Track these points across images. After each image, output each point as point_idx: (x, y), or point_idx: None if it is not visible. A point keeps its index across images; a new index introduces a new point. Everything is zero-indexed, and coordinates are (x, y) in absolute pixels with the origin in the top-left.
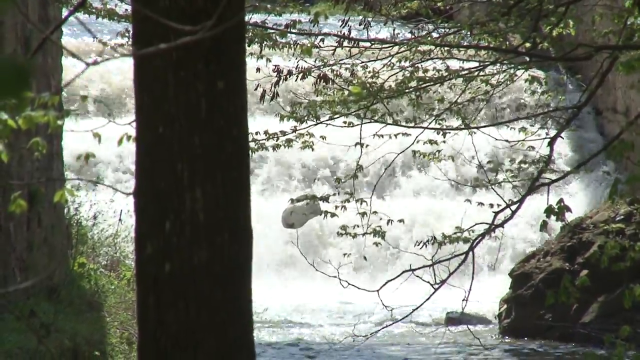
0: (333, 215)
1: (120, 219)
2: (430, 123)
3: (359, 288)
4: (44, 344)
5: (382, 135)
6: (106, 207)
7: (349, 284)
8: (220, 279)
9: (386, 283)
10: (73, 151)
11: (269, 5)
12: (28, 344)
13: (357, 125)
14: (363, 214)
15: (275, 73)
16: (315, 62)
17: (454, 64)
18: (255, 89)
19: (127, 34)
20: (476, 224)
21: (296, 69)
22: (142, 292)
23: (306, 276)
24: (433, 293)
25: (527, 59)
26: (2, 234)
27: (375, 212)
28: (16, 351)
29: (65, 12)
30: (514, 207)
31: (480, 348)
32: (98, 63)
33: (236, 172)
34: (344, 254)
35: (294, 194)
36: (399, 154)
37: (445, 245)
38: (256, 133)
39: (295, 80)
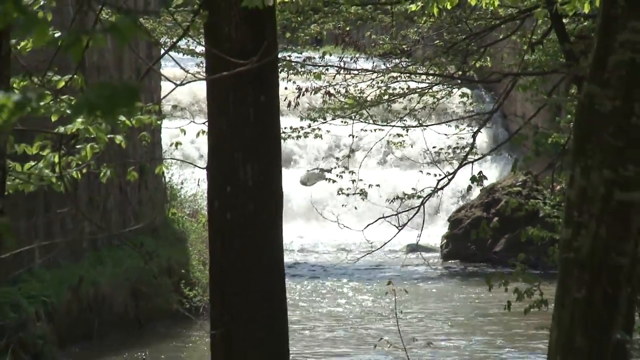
0: (334, 181)
1: (198, 184)
2: (396, 122)
3: (350, 228)
4: (148, 264)
5: (366, 130)
6: (189, 177)
7: (344, 226)
8: (262, 224)
9: (367, 226)
10: (167, 140)
11: (293, 47)
12: (138, 264)
13: (350, 123)
14: (353, 181)
15: (297, 90)
16: (323, 83)
17: (413, 85)
18: (284, 100)
19: (202, 65)
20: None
21: (311, 87)
22: (211, 233)
23: (318, 220)
24: (397, 232)
25: (459, 81)
26: (122, 195)
27: (361, 180)
28: (131, 269)
29: (162, 51)
30: (450, 177)
31: (428, 267)
32: (183, 84)
33: (272, 154)
34: (342, 205)
35: (309, 166)
36: (376, 142)
37: (406, 200)
38: (285, 128)
39: (310, 95)
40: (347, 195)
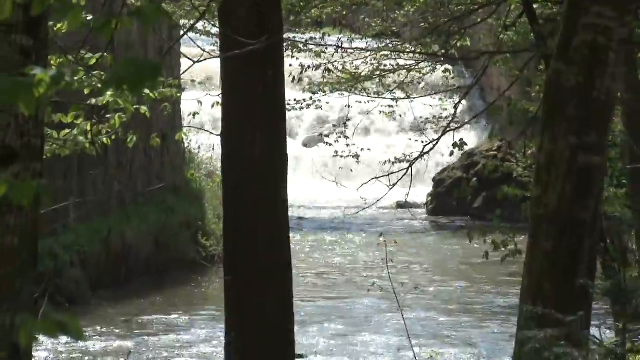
0: (330, 144)
1: (213, 149)
2: (387, 95)
3: (346, 187)
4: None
5: (360, 102)
6: (205, 142)
7: (341, 185)
8: (269, 184)
9: (362, 185)
10: (186, 111)
11: (296, 29)
12: (161, 219)
13: (346, 96)
14: (347, 145)
15: (300, 67)
16: (323, 60)
17: (401, 62)
18: (289, 76)
19: (216, 45)
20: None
21: (312, 64)
22: (225, 191)
23: (318, 180)
24: (388, 191)
25: (442, 59)
26: (147, 158)
27: (354, 144)
28: (154, 223)
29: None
30: (434, 143)
31: (415, 221)
32: (200, 61)
33: (278, 122)
34: (339, 168)
35: (309, 132)
36: (369, 112)
37: (397, 163)
38: (289, 100)
39: (312, 71)
40: (343, 157)
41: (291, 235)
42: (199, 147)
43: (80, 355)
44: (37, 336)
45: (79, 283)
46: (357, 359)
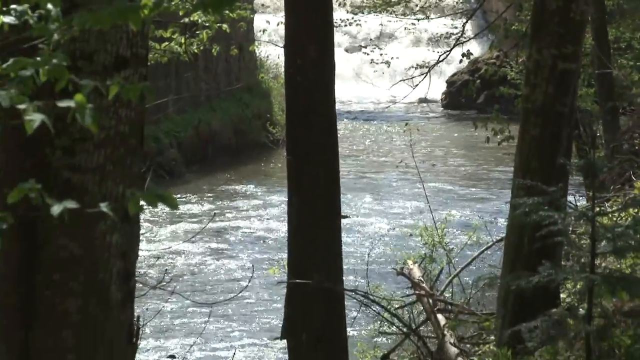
0: (367, 53)
1: (278, 57)
2: (410, 15)
3: (379, 87)
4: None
5: (390, 21)
6: (272, 52)
7: (375, 85)
8: (321, 84)
9: (392, 85)
10: (257, 28)
11: None
12: (239, 111)
13: (380, 16)
14: (381, 54)
15: None
16: None
17: None
18: (336, 1)
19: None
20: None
21: None
22: (287, 89)
23: (357, 81)
24: (412, 90)
25: None
26: (227, 64)
27: (386, 54)
28: (233, 114)
29: None
30: (447, 53)
31: (433, 113)
32: None
33: (328, 36)
34: (374, 71)
35: (351, 43)
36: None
37: (419, 68)
38: (336, 19)
39: None
40: (377, 63)
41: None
42: (267, 56)
43: (176, 215)
44: (142, 205)
45: (176, 161)
46: (388, 218)
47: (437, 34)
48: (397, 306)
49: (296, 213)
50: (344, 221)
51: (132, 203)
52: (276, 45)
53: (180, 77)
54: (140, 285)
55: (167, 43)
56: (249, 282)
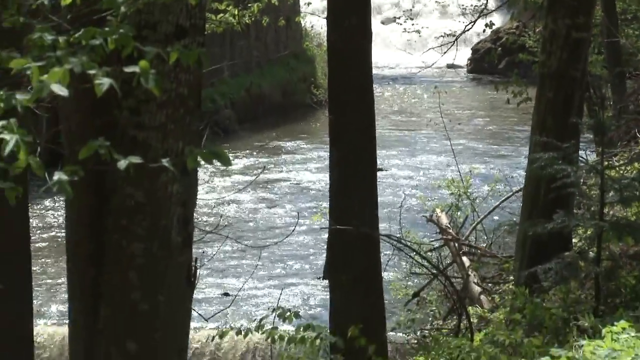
0: (400, 24)
1: (321, 28)
2: None
3: (411, 54)
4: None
5: None
6: (316, 23)
7: (408, 52)
8: (359, 49)
9: (423, 52)
10: (303, 1)
11: None
12: (286, 75)
13: None
14: (412, 24)
15: None
16: None
17: None
18: None
19: None
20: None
21: None
22: (329, 54)
23: (390, 49)
24: (441, 56)
25: None
26: (276, 33)
27: (417, 24)
28: (282, 78)
29: None
30: (472, 23)
31: (459, 77)
32: None
33: (365, 8)
34: (407, 40)
35: (386, 14)
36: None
37: (447, 37)
38: None
39: None
40: (409, 32)
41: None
42: (312, 26)
43: (229, 168)
44: (200, 161)
45: (230, 119)
46: (418, 171)
47: (463, 6)
48: (426, 250)
49: (337, 166)
50: (379, 173)
51: (190, 159)
52: (319, 16)
53: (234, 45)
54: (198, 230)
55: (222, 15)
56: (295, 228)
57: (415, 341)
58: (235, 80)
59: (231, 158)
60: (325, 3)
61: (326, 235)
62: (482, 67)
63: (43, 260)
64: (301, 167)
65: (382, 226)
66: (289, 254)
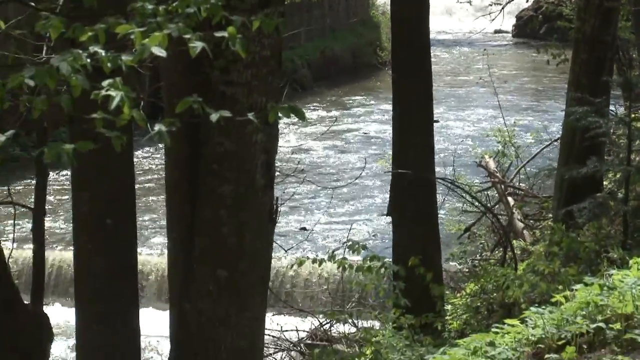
0: None
1: (385, 1)
2: None
3: (463, 22)
4: (359, 39)
5: None
6: None
7: (459, 20)
8: (420, 18)
9: (475, 19)
10: None
11: None
12: (355, 39)
13: None
14: None
15: None
16: None
17: None
18: None
19: None
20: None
21: None
22: (393, 20)
23: (443, 15)
24: (490, 22)
25: None
26: (346, 2)
27: None
28: (351, 42)
29: None
30: None
31: (505, 41)
32: None
33: None
34: (460, 8)
35: None
36: None
37: (495, 5)
38: None
39: None
40: (461, 2)
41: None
42: None
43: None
44: (279, 114)
45: (306, 77)
46: (469, 122)
47: None
48: (476, 191)
49: (399, 118)
50: (435, 124)
51: (271, 113)
52: None
53: (310, 14)
54: (279, 173)
55: None
56: (362, 172)
57: (467, 270)
58: (311, 44)
59: (307, 111)
60: None
61: (389, 178)
62: (525, 32)
63: (146, 198)
64: (367, 119)
65: (438, 170)
66: (357, 194)
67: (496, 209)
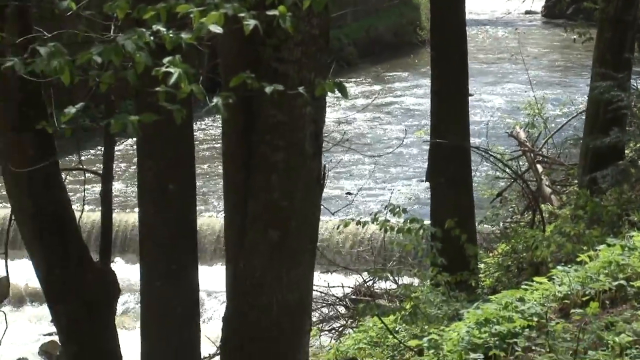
0: None
1: None
2: None
3: (496, 1)
4: (400, 20)
5: None
6: None
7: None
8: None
9: (507, 1)
10: None
11: None
12: (396, 19)
13: None
14: None
15: None
16: None
17: None
18: None
19: None
20: None
21: None
22: (432, 2)
23: None
24: (521, 3)
25: None
26: None
27: None
28: (389, 21)
29: None
30: None
31: (535, 22)
32: None
33: None
34: None
35: None
36: None
37: None
38: None
39: None
40: None
41: None
42: None
43: (351, 94)
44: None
45: (352, 55)
46: (501, 95)
47: None
48: (507, 159)
49: (437, 92)
50: (470, 98)
51: (318, 88)
52: None
53: None
54: (326, 142)
55: None
56: (403, 141)
57: (499, 232)
58: (357, 23)
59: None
60: None
61: (428, 147)
62: (554, 13)
63: (206, 165)
64: (408, 93)
65: (472, 140)
66: (398, 162)
67: (526, 176)
